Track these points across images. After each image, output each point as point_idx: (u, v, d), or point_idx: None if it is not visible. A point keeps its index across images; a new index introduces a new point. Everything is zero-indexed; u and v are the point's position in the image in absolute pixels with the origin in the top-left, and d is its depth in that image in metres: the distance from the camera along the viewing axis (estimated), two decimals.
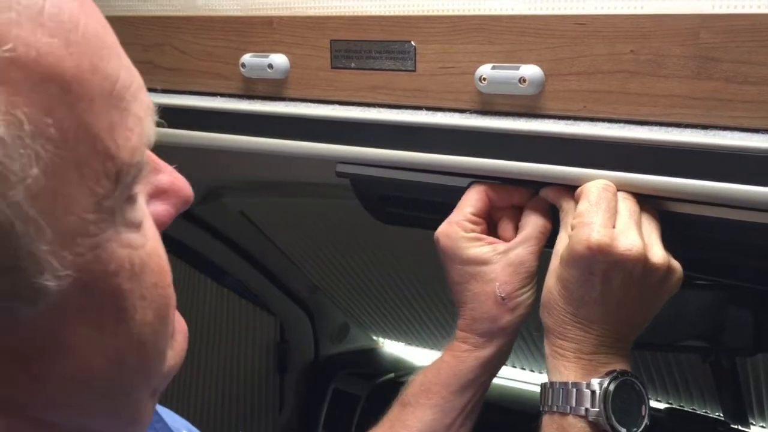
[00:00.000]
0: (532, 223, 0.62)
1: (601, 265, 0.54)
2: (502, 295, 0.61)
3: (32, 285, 0.28)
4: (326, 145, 0.68)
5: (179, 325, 0.38)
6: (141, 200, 0.33)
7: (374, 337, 1.42)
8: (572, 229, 0.56)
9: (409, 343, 1.36)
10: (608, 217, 0.54)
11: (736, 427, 0.97)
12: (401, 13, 0.65)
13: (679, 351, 0.91)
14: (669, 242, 0.56)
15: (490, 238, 0.63)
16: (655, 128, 0.55)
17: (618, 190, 0.56)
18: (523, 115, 0.61)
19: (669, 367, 1.00)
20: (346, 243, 1.09)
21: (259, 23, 0.72)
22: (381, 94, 0.67)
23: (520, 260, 0.61)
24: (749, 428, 0.97)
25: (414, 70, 0.65)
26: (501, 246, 0.62)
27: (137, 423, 0.36)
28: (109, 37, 0.31)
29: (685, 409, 1.05)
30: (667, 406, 1.06)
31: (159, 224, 0.35)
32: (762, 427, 1.00)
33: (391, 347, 1.41)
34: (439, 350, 1.25)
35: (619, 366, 0.56)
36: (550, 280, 0.58)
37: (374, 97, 0.67)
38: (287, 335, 1.35)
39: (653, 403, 1.04)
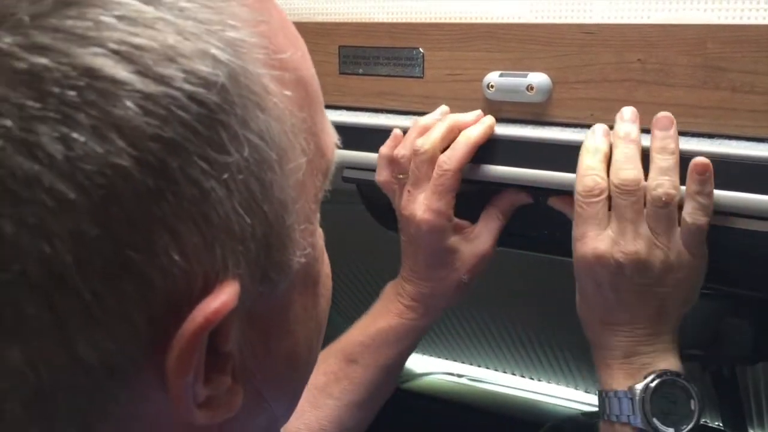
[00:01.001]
0: (493, 215, 0.65)
1: (605, 276, 0.55)
2: (465, 281, 0.65)
3: (290, 261, 0.31)
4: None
5: None
6: None
7: None
8: (573, 243, 0.57)
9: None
10: (597, 224, 0.54)
11: None
12: (410, 20, 0.66)
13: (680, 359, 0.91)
14: None
15: (461, 223, 0.65)
16: None
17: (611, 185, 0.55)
18: (531, 123, 0.61)
19: None
20: (348, 248, 1.10)
21: None
22: (389, 100, 0.68)
23: (485, 250, 0.65)
24: None
25: (422, 77, 0.65)
26: (470, 233, 0.65)
27: (287, 420, 0.38)
28: None
29: None
30: None
31: None
32: None
33: None
34: (437, 357, 1.26)
35: (662, 365, 0.56)
36: (577, 296, 0.59)
37: (382, 102, 0.68)
38: None
39: None
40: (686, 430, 0.55)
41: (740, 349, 0.78)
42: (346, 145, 0.67)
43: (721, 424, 0.99)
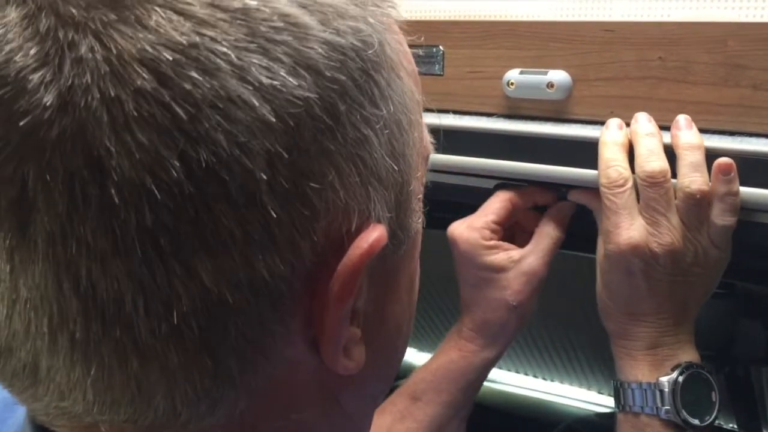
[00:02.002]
0: (545, 233, 0.64)
1: (638, 265, 0.55)
2: (514, 303, 0.63)
3: (411, 224, 0.34)
4: None
5: None
6: None
7: None
8: (604, 235, 0.57)
9: (421, 350, 1.36)
10: (628, 213, 0.55)
11: None
12: (430, 18, 0.66)
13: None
14: None
15: (506, 245, 0.64)
16: None
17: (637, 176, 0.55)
18: (550, 120, 0.62)
19: None
20: None
21: None
22: None
23: (532, 270, 0.63)
24: None
25: (442, 74, 0.66)
26: (515, 254, 0.64)
27: (377, 406, 0.40)
28: None
29: None
30: None
31: None
32: None
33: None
34: None
35: (685, 357, 0.57)
36: (599, 288, 0.59)
37: None
38: None
39: None
40: (709, 420, 0.56)
41: (755, 349, 0.78)
42: None
43: (735, 426, 0.99)
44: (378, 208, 0.30)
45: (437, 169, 0.66)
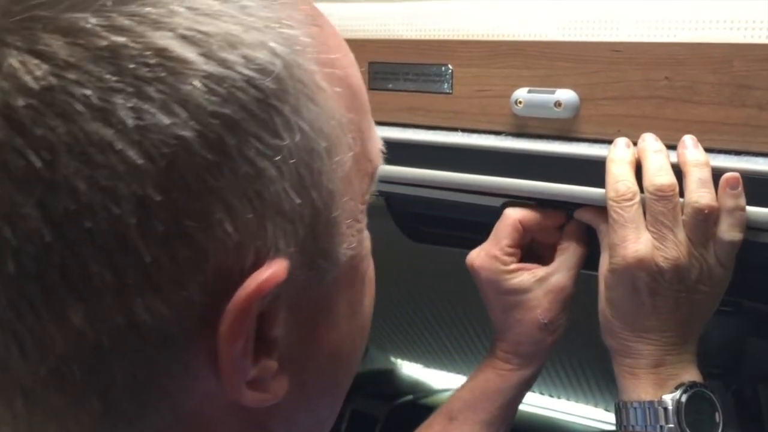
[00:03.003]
0: (570, 249, 0.64)
1: (643, 279, 0.55)
2: (545, 321, 0.63)
3: (336, 252, 0.33)
4: None
5: None
6: None
7: (392, 359, 1.42)
8: (609, 249, 0.57)
9: (428, 366, 1.36)
10: (635, 227, 0.55)
11: None
12: (439, 38, 0.67)
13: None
14: None
15: (528, 265, 0.64)
16: None
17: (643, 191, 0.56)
18: (558, 138, 0.62)
19: None
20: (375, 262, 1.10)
21: None
22: (417, 116, 0.69)
23: (560, 287, 0.63)
24: None
25: (450, 93, 0.67)
26: (540, 272, 0.64)
27: (332, 424, 0.39)
28: None
29: None
30: None
31: None
32: None
33: (409, 369, 1.42)
34: (457, 373, 1.26)
35: (688, 377, 0.57)
36: (601, 304, 0.59)
37: (411, 118, 0.69)
38: None
39: None
40: None
41: (763, 368, 0.78)
42: None
43: None
44: (280, 243, 0.29)
45: (445, 187, 0.67)
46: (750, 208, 0.54)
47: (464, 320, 1.10)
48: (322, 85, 0.31)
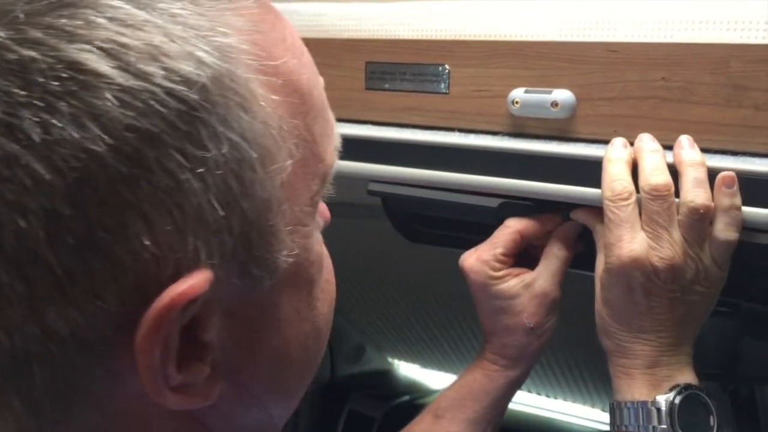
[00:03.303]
0: (553, 254, 0.64)
1: (638, 278, 0.55)
2: (531, 326, 0.64)
3: (274, 259, 0.32)
4: (359, 164, 0.69)
5: None
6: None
7: (389, 359, 1.42)
8: (605, 249, 0.57)
9: (424, 366, 1.36)
10: (630, 227, 0.55)
11: None
12: (436, 38, 0.67)
13: (698, 379, 0.91)
14: None
15: (517, 270, 0.65)
16: None
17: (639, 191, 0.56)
18: (555, 138, 0.62)
19: None
20: (364, 264, 1.10)
21: None
22: (414, 116, 0.69)
23: (544, 292, 0.64)
24: None
25: (447, 93, 0.67)
26: (527, 277, 0.64)
27: (287, 417, 0.39)
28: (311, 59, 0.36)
29: None
30: None
31: None
32: None
33: (406, 369, 1.42)
34: (453, 373, 1.26)
35: (683, 379, 0.57)
36: (598, 304, 0.59)
37: (407, 118, 0.69)
38: None
39: None
40: None
41: (760, 369, 0.78)
42: (372, 159, 0.69)
43: None
44: (202, 255, 0.29)
45: (441, 187, 0.67)
46: (746, 209, 0.54)
47: (461, 321, 1.10)
48: (258, 92, 0.30)
